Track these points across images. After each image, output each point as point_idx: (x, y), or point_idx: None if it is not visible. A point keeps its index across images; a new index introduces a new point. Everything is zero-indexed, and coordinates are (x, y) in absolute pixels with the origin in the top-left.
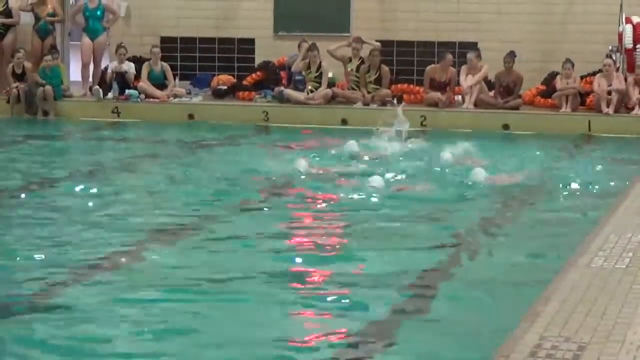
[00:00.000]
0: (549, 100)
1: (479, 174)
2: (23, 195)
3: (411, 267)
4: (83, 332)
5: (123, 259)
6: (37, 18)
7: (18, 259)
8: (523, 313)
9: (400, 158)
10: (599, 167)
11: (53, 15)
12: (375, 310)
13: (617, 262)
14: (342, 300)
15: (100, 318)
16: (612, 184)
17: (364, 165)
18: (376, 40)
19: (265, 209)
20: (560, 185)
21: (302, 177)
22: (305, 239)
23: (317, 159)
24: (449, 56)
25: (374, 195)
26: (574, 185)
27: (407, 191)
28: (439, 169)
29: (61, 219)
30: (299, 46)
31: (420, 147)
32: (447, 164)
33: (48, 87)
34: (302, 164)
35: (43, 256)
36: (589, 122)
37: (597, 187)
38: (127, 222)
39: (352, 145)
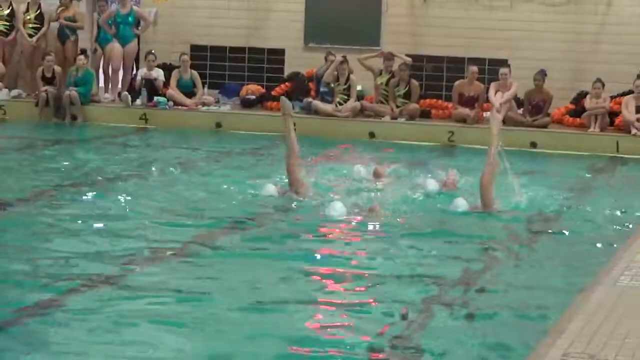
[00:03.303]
0: (578, 119)
1: (459, 203)
2: (45, 199)
3: (429, 285)
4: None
5: (137, 266)
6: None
7: (31, 261)
8: (547, 331)
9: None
10: (626, 188)
11: (71, 20)
12: (395, 323)
13: None
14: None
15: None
16: (638, 204)
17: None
18: (406, 55)
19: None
20: (586, 207)
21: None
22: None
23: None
24: (474, 68)
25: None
26: (600, 206)
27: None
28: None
29: (79, 225)
30: (326, 58)
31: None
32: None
33: (73, 92)
34: (270, 189)
35: (58, 260)
36: (617, 142)
37: (624, 207)
38: (144, 230)
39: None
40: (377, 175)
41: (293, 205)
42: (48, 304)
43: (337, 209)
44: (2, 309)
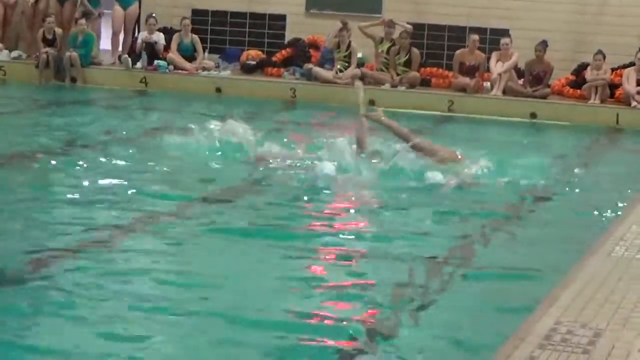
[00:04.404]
0: (578, 90)
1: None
2: (44, 161)
3: (422, 253)
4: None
5: (132, 229)
6: None
7: (31, 221)
8: (541, 299)
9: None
10: (624, 160)
11: None
12: (383, 295)
13: (639, 252)
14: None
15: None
16: (636, 177)
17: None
18: (407, 23)
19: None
20: (584, 179)
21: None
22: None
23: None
24: (475, 37)
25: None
26: (598, 178)
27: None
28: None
29: (77, 185)
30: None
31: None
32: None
33: (74, 54)
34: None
35: (56, 220)
36: (617, 114)
37: (621, 179)
38: (139, 192)
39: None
40: (360, 145)
41: (276, 173)
42: (32, 268)
43: (328, 168)
44: None
